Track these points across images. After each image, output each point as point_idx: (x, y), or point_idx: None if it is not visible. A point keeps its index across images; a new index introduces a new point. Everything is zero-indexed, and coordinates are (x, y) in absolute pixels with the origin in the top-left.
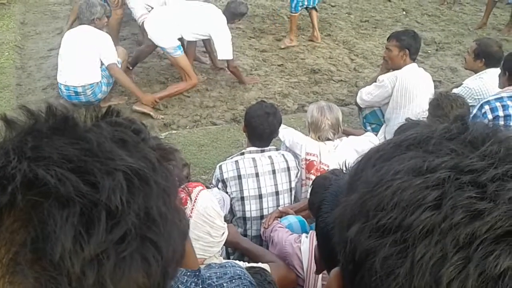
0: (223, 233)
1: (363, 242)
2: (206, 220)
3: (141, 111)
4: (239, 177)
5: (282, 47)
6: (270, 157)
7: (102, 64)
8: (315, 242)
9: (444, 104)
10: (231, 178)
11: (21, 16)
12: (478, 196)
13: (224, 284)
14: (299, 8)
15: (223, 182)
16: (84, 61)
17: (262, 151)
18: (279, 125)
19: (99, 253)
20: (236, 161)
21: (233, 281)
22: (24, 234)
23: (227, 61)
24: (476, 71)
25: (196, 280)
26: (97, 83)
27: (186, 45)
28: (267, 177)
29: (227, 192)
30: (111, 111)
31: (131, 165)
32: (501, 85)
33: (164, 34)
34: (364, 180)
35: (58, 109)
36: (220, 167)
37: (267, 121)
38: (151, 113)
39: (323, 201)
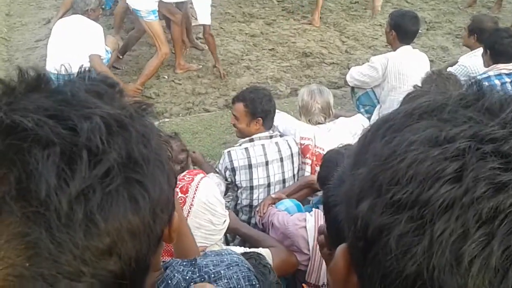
0: (225, 221)
1: (375, 218)
2: (208, 208)
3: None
4: (250, 166)
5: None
6: (277, 143)
7: None
8: (320, 220)
9: (438, 80)
10: (242, 167)
11: (6, 8)
12: (502, 167)
13: (222, 272)
14: None
15: (233, 170)
16: (74, 51)
17: (271, 137)
18: (274, 109)
19: (84, 188)
20: (246, 149)
21: (231, 268)
22: (8, 176)
23: (204, 26)
24: (471, 48)
25: (192, 269)
26: None
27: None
28: (276, 165)
29: (235, 180)
30: (83, 69)
31: (108, 111)
32: (486, 64)
33: None
34: (374, 153)
35: (29, 71)
36: (229, 153)
37: (267, 104)
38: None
39: (332, 175)
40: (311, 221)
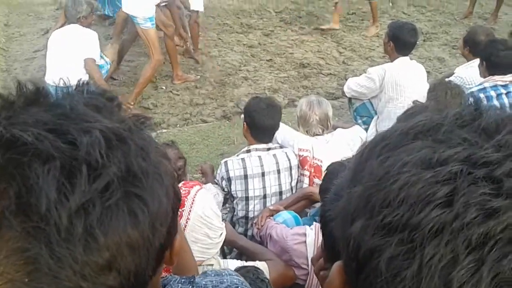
0: (221, 234)
1: (367, 240)
2: (204, 222)
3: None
4: (246, 176)
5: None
6: (275, 155)
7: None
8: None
9: (442, 90)
10: (237, 177)
11: (4, 18)
12: (493, 193)
13: None
14: None
15: (229, 180)
16: (71, 60)
17: (268, 149)
18: (280, 118)
19: (84, 202)
20: (243, 159)
21: None
22: (8, 190)
23: (192, 13)
24: (467, 59)
25: (190, 287)
26: None
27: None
28: (272, 176)
29: (231, 190)
30: (81, 83)
31: (107, 125)
32: (482, 75)
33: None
34: (369, 171)
35: (27, 84)
36: (226, 163)
37: (268, 115)
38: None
39: (330, 189)
40: (311, 235)
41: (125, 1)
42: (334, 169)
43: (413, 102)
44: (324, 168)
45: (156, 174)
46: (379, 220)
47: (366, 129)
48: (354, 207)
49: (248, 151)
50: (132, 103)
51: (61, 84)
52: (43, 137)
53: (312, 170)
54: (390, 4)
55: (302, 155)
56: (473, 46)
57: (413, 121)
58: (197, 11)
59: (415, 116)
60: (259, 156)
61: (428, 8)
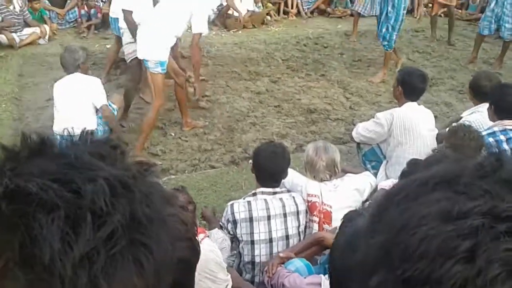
0: (227, 286)
1: None
2: (207, 275)
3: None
4: (251, 219)
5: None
6: (281, 199)
7: (97, 111)
8: None
9: (460, 132)
10: (243, 220)
11: (18, 68)
12: None
13: None
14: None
15: (234, 222)
16: (78, 109)
17: (274, 193)
18: (288, 165)
19: (89, 251)
20: (249, 202)
21: None
22: (12, 241)
23: (194, 36)
24: (474, 103)
25: None
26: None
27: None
28: (278, 220)
29: (236, 233)
30: (85, 132)
31: (111, 173)
32: (491, 118)
33: (156, 44)
34: (388, 222)
35: (32, 135)
36: (232, 206)
37: (274, 161)
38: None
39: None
40: (326, 285)
41: (140, 46)
42: (351, 217)
43: (433, 150)
44: (333, 214)
45: (161, 220)
46: (399, 274)
47: (375, 174)
48: (373, 259)
49: (254, 194)
50: (140, 151)
51: (66, 134)
52: (47, 187)
53: (322, 216)
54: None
55: (311, 200)
56: (477, 91)
57: (432, 171)
58: (200, 34)
59: (433, 165)
60: (265, 199)
61: (433, 54)
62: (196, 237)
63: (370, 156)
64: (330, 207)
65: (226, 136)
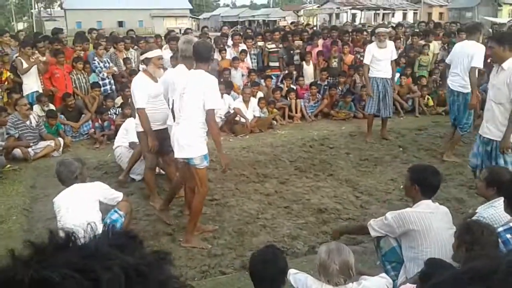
0: None
1: None
2: None
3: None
4: None
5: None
6: None
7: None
8: None
9: (475, 229)
10: None
11: (32, 180)
12: None
13: None
14: None
15: None
16: (87, 217)
17: None
18: (281, 273)
19: None
20: None
21: None
22: None
23: (209, 112)
24: (488, 198)
25: None
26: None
27: None
28: None
29: None
30: (108, 226)
31: (128, 261)
32: (508, 212)
33: (193, 142)
34: None
35: (58, 233)
36: None
37: (264, 269)
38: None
39: None
40: None
41: (177, 148)
42: None
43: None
44: None
45: None
46: None
47: (396, 276)
48: None
49: None
50: (192, 235)
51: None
52: (69, 276)
53: None
54: (401, 149)
55: None
56: (499, 186)
57: (466, 267)
58: (213, 109)
59: (470, 262)
60: None
61: (438, 151)
62: None
63: (391, 257)
64: None
65: (236, 240)
